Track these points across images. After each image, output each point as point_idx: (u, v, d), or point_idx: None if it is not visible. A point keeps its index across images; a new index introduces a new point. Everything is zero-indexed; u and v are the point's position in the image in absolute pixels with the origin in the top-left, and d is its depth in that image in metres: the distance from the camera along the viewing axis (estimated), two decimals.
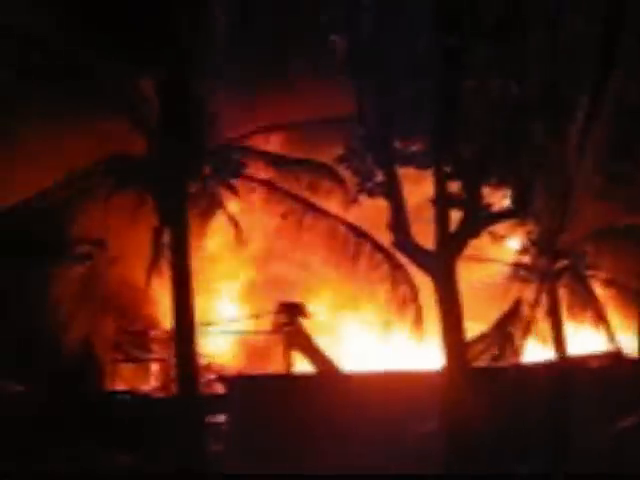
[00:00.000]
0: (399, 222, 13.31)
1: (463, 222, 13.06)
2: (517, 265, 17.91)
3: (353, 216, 16.19)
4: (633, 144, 17.92)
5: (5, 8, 13.11)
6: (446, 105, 12.40)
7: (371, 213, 15.78)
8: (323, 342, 17.39)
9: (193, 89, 14.34)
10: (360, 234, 15.73)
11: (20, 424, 12.70)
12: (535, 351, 17.62)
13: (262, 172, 15.81)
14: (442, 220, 12.92)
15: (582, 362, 15.16)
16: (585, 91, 13.21)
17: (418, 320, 16.68)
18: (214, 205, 14.51)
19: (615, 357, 15.47)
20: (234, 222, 15.55)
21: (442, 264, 12.81)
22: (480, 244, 16.40)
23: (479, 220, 13.31)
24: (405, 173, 14.52)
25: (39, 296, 13.99)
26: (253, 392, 15.47)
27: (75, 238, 14.06)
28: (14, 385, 13.58)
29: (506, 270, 18.33)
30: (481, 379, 13.97)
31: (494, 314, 18.03)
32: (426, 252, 13.05)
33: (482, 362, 16.95)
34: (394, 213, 13.36)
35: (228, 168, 14.38)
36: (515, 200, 13.63)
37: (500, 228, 16.82)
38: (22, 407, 13.08)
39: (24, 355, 13.78)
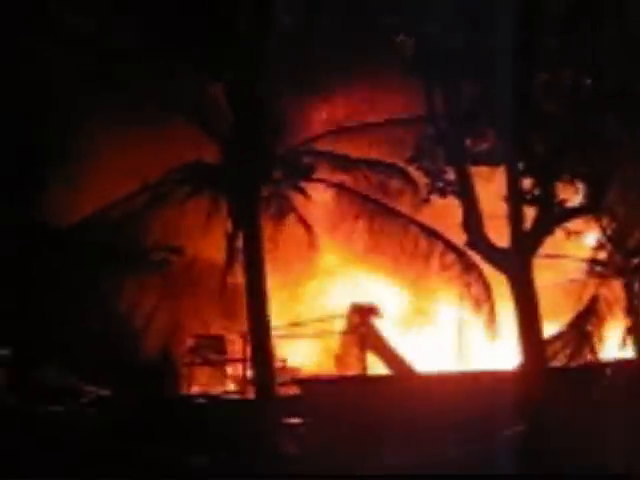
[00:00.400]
0: (472, 221, 13.21)
1: (537, 219, 12.90)
2: (593, 262, 17.67)
3: (425, 216, 16.17)
4: None
5: (82, 19, 13.40)
6: (518, 100, 12.28)
7: (443, 213, 15.72)
8: (397, 343, 17.36)
9: (261, 92, 14.46)
10: (432, 234, 15.69)
11: (110, 427, 12.98)
12: (613, 349, 17.36)
13: (332, 174, 15.89)
14: (516, 218, 12.79)
15: None
16: None
17: (491, 319, 16.58)
18: (286, 208, 14.63)
19: None
20: (306, 225, 15.65)
21: (517, 262, 12.68)
22: (555, 241, 16.23)
23: (553, 217, 13.14)
24: (476, 171, 14.42)
25: (118, 302, 14.25)
26: (328, 394, 15.51)
27: (151, 245, 14.31)
28: (99, 389, 13.87)
29: (582, 267, 18.12)
30: (559, 379, 13.78)
31: (571, 312, 17.83)
32: (501, 251, 12.92)
33: (559, 361, 16.76)
34: (466, 212, 13.27)
35: (298, 171, 14.48)
36: (589, 195, 13.41)
37: (575, 224, 16.62)
38: (111, 410, 13.36)
39: (104, 360, 14.05)
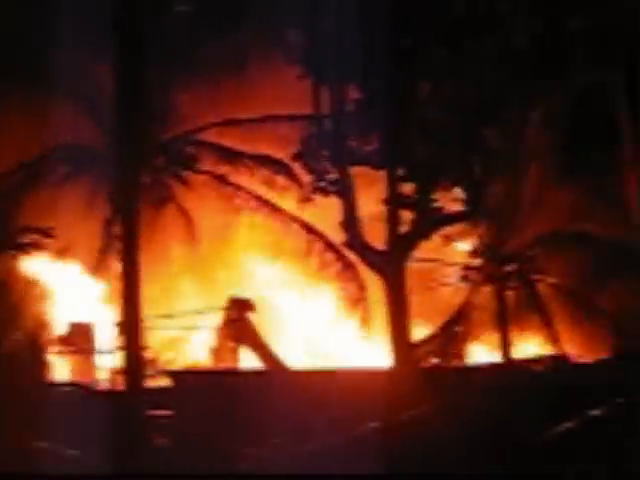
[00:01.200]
0: (350, 221, 13.35)
1: (414, 223, 13.12)
2: (467, 268, 18.08)
3: (307, 214, 16.25)
4: (588, 150, 18.19)
5: None
6: (398, 106, 12.47)
7: (325, 212, 15.83)
8: (271, 339, 17.38)
9: (147, 78, 14.24)
10: (312, 232, 15.78)
11: None
12: (481, 354, 17.80)
13: (217, 166, 15.78)
14: (392, 221, 12.97)
15: (526, 366, 15.30)
16: (539, 94, 13.37)
17: (366, 319, 16.79)
18: (166, 197, 14.45)
19: (559, 361, 15.66)
20: (186, 216, 15.49)
21: (391, 265, 12.86)
22: (431, 246, 16.53)
23: (430, 222, 13.38)
24: (360, 173, 14.57)
25: None
26: (200, 386, 15.40)
27: (21, 226, 13.86)
28: None
29: (456, 272, 18.52)
30: (427, 380, 14.02)
31: (444, 316, 18.20)
32: (376, 252, 13.09)
33: (429, 363, 17.09)
34: (346, 212, 13.39)
35: (180, 161, 14.33)
36: (467, 203, 13.70)
37: (452, 231, 16.96)
38: None
39: None
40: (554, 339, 17.62)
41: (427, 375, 14.08)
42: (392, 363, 12.89)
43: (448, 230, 15.97)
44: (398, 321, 12.94)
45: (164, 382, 15.80)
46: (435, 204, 13.30)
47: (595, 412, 10.92)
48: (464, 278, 18.26)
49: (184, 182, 14.90)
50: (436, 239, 15.70)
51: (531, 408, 11.84)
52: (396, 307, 12.92)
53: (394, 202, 12.94)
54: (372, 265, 13.30)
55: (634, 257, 17.56)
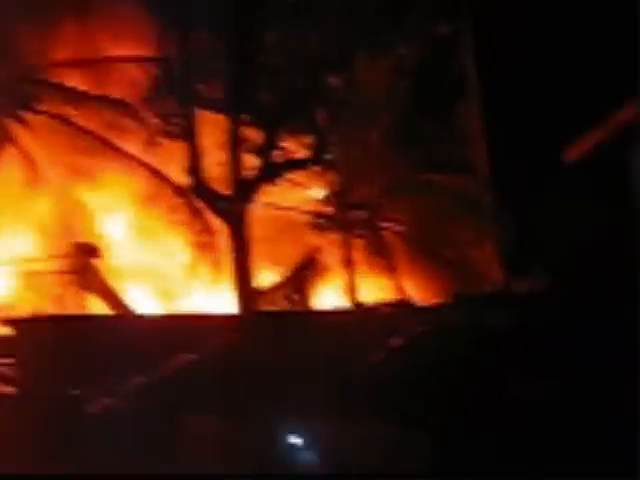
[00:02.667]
0: (196, 167, 13.21)
1: (259, 169, 13.11)
2: (316, 214, 18.26)
3: (156, 158, 15.97)
4: (432, 102, 18.56)
5: None
6: (244, 51, 12.36)
7: (173, 156, 15.59)
8: (119, 285, 17.13)
9: None
10: (160, 177, 15.54)
11: None
12: (330, 298, 18.10)
13: (60, 107, 15.27)
14: (236, 166, 12.91)
15: (372, 310, 15.63)
16: (385, 45, 13.50)
17: (216, 265, 16.74)
18: (4, 138, 13.90)
19: (403, 306, 16.07)
20: (27, 157, 14.98)
21: (236, 210, 12.82)
22: (280, 192, 16.58)
23: (276, 167, 13.40)
24: (208, 117, 14.40)
25: None
26: (42, 334, 15.04)
27: None
28: None
29: (305, 218, 18.69)
30: (273, 325, 14.13)
31: (293, 261, 18.37)
32: (221, 197, 13.02)
33: (278, 307, 17.26)
34: (191, 157, 13.24)
35: (18, 100, 13.79)
36: (311, 150, 13.79)
37: (302, 177, 17.04)
38: None
39: None
40: (398, 285, 18.08)
41: (272, 320, 14.19)
42: (237, 309, 12.92)
43: (296, 177, 16.07)
44: (242, 267, 12.93)
45: (5, 330, 15.39)
46: (280, 150, 13.32)
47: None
48: (313, 224, 18.47)
49: (24, 123, 14.36)
50: (285, 185, 15.77)
51: (371, 348, 12.07)
52: (240, 253, 12.91)
53: (238, 147, 12.87)
54: (217, 211, 13.24)
55: (476, 207, 18.15)
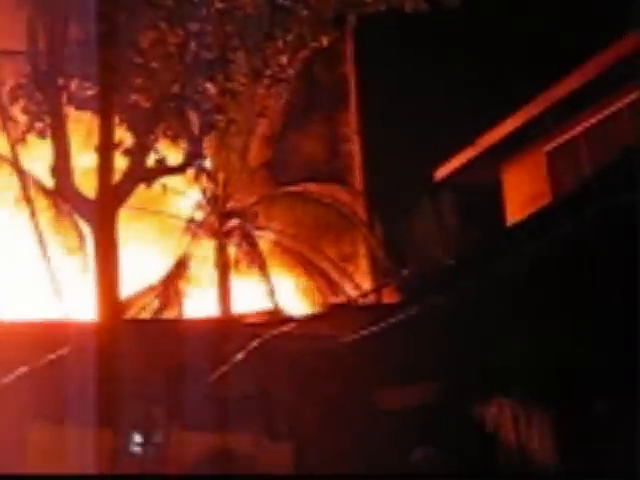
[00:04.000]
0: (61, 166, 12.81)
1: (127, 172, 12.79)
2: (189, 221, 18.05)
3: (21, 157, 15.45)
4: (310, 112, 18.66)
5: None
6: (117, 51, 12.07)
7: (42, 156, 15.14)
8: None
9: None
10: (25, 176, 15.06)
11: None
12: (200, 306, 17.90)
13: None
14: (105, 169, 12.58)
15: (241, 318, 15.53)
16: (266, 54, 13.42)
17: (85, 268, 16.33)
18: None
19: (273, 315, 16.03)
20: None
21: (101, 214, 12.47)
22: (153, 197, 16.30)
23: (149, 171, 13.10)
24: (79, 117, 14.01)
25: None
26: None
27: None
28: None
29: (179, 225, 18.45)
30: (138, 332, 13.85)
31: (164, 267, 18.10)
32: (87, 200, 12.65)
33: (146, 315, 16.97)
34: (57, 157, 12.83)
35: None
36: (187, 155, 13.55)
37: (178, 183, 16.80)
38: None
39: None
40: (271, 292, 18.01)
41: (135, 328, 13.90)
42: (99, 316, 12.56)
43: (170, 182, 15.82)
44: (107, 272, 12.57)
45: None
46: (154, 154, 13.03)
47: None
48: (186, 230, 18.25)
49: None
50: (158, 190, 15.51)
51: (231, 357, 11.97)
52: (107, 258, 12.55)
53: (110, 149, 12.55)
54: (83, 214, 12.86)
55: (351, 218, 18.27)
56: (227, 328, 14.28)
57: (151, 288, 17.12)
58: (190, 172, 15.20)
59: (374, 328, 7.06)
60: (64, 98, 13.13)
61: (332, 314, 11.95)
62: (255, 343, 9.51)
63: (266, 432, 9.78)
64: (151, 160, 13.27)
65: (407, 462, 8.65)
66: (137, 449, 12.74)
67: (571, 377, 8.18)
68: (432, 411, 9.05)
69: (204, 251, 17.64)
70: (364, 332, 7.31)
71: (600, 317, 6.28)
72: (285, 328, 11.30)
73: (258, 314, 15.81)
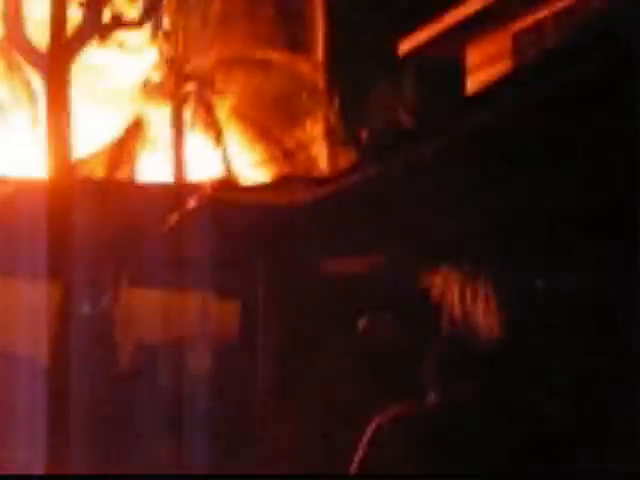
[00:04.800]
0: (15, 15, 12.32)
1: (82, 25, 12.34)
2: (145, 83, 17.62)
3: None
4: None
5: None
6: None
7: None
8: None
9: None
10: None
11: None
12: (153, 169, 17.68)
13: None
14: (57, 19, 12.10)
15: (196, 185, 15.39)
16: None
17: (35, 122, 15.99)
18: None
19: (227, 182, 15.91)
20: None
21: (53, 67, 12.07)
22: (109, 56, 15.86)
23: (102, 27, 12.66)
24: None
25: None
26: None
27: None
28: None
29: (134, 86, 18.00)
30: (90, 192, 13.67)
31: (117, 128, 17.76)
32: (38, 52, 12.22)
33: (100, 176, 16.72)
34: (10, 5, 12.32)
35: None
36: (144, 10, 13.10)
37: (134, 42, 16.30)
38: None
39: None
40: (226, 160, 17.82)
41: (87, 187, 13.72)
42: (50, 173, 12.33)
43: (127, 40, 15.38)
44: (59, 129, 12.27)
45: None
46: (109, 9, 12.57)
47: None
48: (142, 92, 17.82)
49: None
50: (114, 48, 15.07)
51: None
52: (58, 114, 12.22)
53: (63, 1, 12.07)
54: (35, 65, 12.45)
55: (310, 88, 17.98)
56: (179, 192, 14.17)
57: (104, 149, 16.81)
58: (147, 31, 14.76)
59: (327, 192, 6.95)
60: None
61: (286, 184, 11.81)
62: (201, 204, 9.37)
63: (215, 292, 9.81)
64: (107, 15, 12.84)
65: (356, 330, 8.63)
66: (87, 308, 12.77)
67: (522, 254, 8.15)
68: (381, 281, 9.07)
69: (160, 114, 17.31)
70: (317, 197, 7.19)
71: (561, 181, 6.20)
72: (236, 195, 11.20)
73: (211, 180, 15.67)
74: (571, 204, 5.74)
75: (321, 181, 8.38)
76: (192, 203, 10.07)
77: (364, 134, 12.15)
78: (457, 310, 8.19)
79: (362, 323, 8.21)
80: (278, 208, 8.55)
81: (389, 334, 8.34)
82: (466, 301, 8.13)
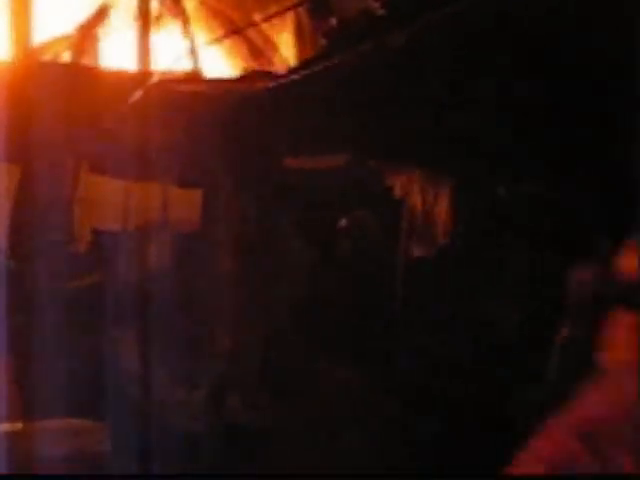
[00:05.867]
0: None
1: None
2: None
3: None
4: None
5: None
6: None
7: None
8: None
9: None
10: None
11: None
12: (118, 58, 17.30)
13: None
14: None
15: (159, 75, 15.11)
16: None
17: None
18: None
19: (193, 73, 15.67)
20: None
21: None
22: None
23: None
24: None
25: None
26: None
27: None
28: None
29: None
30: (53, 75, 13.37)
31: (84, 16, 17.30)
32: None
33: (63, 60, 16.37)
34: None
35: None
36: None
37: None
38: None
39: None
40: (192, 52, 17.49)
41: (50, 71, 13.44)
42: (13, 57, 12.03)
43: None
44: (20, 13, 11.91)
45: None
46: None
47: None
48: None
49: None
50: None
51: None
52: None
53: None
54: None
55: None
56: (143, 81, 13.91)
57: (68, 34, 16.41)
58: None
59: (291, 80, 6.88)
60: None
61: (250, 79, 11.64)
62: (165, 92, 9.25)
63: (176, 182, 9.76)
64: None
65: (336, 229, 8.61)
66: (45, 196, 12.63)
67: (482, 162, 8.22)
68: (347, 176, 9.08)
69: (126, 1, 16.87)
70: (281, 85, 7.12)
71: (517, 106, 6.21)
72: (202, 85, 11.07)
73: (176, 73, 15.39)
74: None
75: (287, 72, 8.30)
76: (156, 91, 9.93)
77: (332, 23, 11.98)
78: (418, 209, 8.21)
79: (343, 222, 8.22)
80: (243, 97, 8.48)
81: (368, 232, 8.37)
82: (427, 201, 8.15)
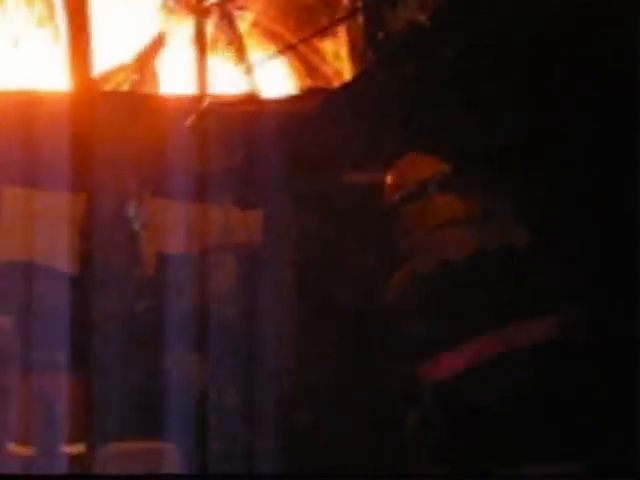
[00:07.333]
0: None
1: None
2: None
3: None
4: None
5: None
6: None
7: None
8: None
9: None
10: None
11: None
12: (176, 85, 17.60)
13: None
14: None
15: (219, 99, 15.32)
16: None
17: (57, 37, 15.89)
18: None
19: (251, 97, 15.83)
20: None
21: None
22: None
23: None
24: None
25: None
26: None
27: None
28: None
29: (155, 1, 17.85)
30: (114, 104, 13.68)
31: (139, 41, 17.64)
32: None
33: (122, 90, 16.69)
34: None
35: None
36: None
37: None
38: None
39: None
40: (248, 75, 17.73)
41: (111, 100, 13.73)
42: (73, 88, 12.36)
43: None
44: (79, 44, 12.25)
45: None
46: None
47: None
48: (163, 6, 17.68)
49: None
50: None
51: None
52: (79, 27, 12.20)
53: None
54: None
55: (331, 6, 17.76)
56: (201, 105, 14.13)
57: (126, 65, 16.74)
58: None
59: (344, 97, 6.95)
60: None
61: (306, 97, 11.80)
62: (224, 116, 9.42)
63: (236, 203, 9.89)
64: None
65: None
66: (111, 221, 12.90)
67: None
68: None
69: (181, 29, 17.16)
70: (333, 103, 7.21)
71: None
72: (260, 106, 11.21)
73: (234, 96, 15.60)
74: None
75: (340, 88, 8.37)
76: (213, 113, 10.09)
77: (380, 37, 12.02)
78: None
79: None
80: (300, 116, 8.58)
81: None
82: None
